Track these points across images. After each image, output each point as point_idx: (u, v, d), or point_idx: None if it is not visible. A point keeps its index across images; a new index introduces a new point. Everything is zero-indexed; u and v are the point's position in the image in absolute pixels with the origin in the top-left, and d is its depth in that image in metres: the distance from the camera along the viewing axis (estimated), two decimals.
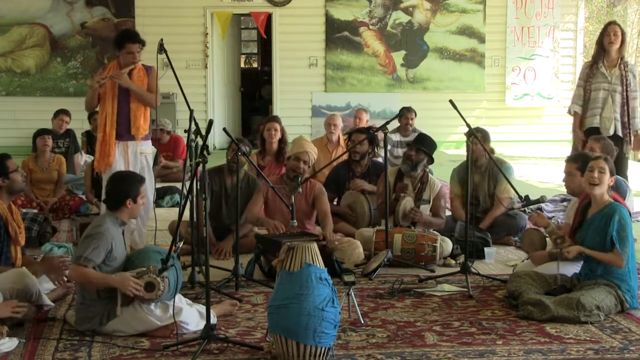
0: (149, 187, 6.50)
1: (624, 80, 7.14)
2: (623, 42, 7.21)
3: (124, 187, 4.66)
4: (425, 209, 6.67)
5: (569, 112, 7.56)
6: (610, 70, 7.18)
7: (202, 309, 4.55)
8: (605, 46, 7.19)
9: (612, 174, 5.03)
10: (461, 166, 6.87)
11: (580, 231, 5.11)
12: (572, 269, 5.22)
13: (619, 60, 7.19)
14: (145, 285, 4.37)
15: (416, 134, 9.09)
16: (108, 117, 6.26)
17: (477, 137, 5.71)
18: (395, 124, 8.76)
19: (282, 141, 7.63)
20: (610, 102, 7.16)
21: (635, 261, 5.08)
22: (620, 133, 7.19)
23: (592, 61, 7.37)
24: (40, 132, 8.72)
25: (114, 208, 4.66)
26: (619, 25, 7.36)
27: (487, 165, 6.82)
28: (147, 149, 6.49)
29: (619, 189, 5.90)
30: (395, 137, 9.23)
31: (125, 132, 6.32)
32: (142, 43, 6.29)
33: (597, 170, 4.96)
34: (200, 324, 4.48)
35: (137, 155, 6.36)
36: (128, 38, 6.28)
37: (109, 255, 4.48)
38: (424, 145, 6.67)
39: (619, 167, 7.14)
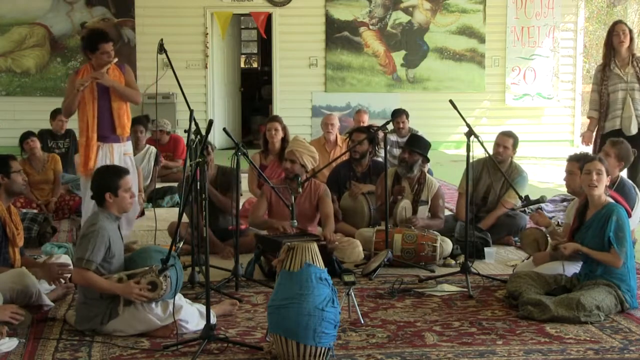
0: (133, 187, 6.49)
1: (639, 77, 7.08)
2: (632, 39, 7.15)
3: (102, 181, 4.68)
4: (424, 209, 6.67)
5: (588, 117, 7.52)
6: (624, 69, 7.12)
7: (202, 308, 4.55)
8: (615, 46, 7.13)
9: (607, 174, 5.04)
10: (476, 162, 6.80)
11: (579, 233, 5.11)
12: (572, 269, 5.23)
13: (631, 58, 7.15)
14: (148, 284, 4.37)
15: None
16: (90, 120, 6.21)
17: (477, 136, 5.71)
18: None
19: (285, 140, 7.62)
20: (629, 101, 7.08)
21: (634, 261, 5.08)
22: None
23: (603, 63, 7.25)
24: (25, 136, 8.55)
25: (99, 204, 4.67)
26: (626, 24, 7.32)
27: (507, 169, 6.80)
28: (130, 149, 6.52)
29: (628, 197, 5.88)
30: (393, 138, 9.26)
31: (109, 134, 6.29)
32: (114, 41, 6.31)
33: (595, 173, 4.97)
34: (200, 324, 4.48)
35: (121, 157, 6.35)
36: (102, 39, 6.23)
37: (108, 252, 4.48)
38: (416, 147, 6.67)
39: (636, 170, 7.08)
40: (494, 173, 6.87)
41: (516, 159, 7.08)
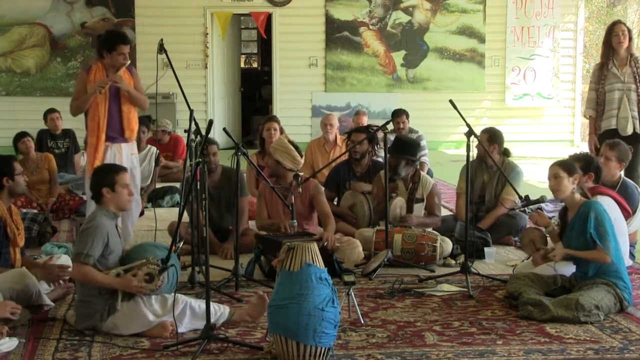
0: (135, 187, 6.49)
1: (637, 77, 7.09)
2: (631, 39, 7.18)
3: (99, 178, 4.73)
4: (419, 207, 6.67)
5: (585, 116, 7.54)
6: (622, 69, 7.13)
7: (201, 303, 4.58)
8: (614, 46, 7.14)
9: (581, 172, 5.14)
10: (471, 162, 6.79)
11: (565, 235, 5.14)
12: (571, 269, 5.22)
13: (629, 58, 7.16)
14: (144, 276, 4.39)
15: (412, 134, 9.11)
16: (101, 120, 6.26)
17: (477, 136, 5.71)
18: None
19: None
20: (626, 101, 7.09)
21: (620, 254, 5.05)
22: (639, 131, 7.14)
23: (601, 62, 7.27)
24: (19, 137, 8.53)
25: (97, 201, 4.71)
26: (625, 24, 7.33)
27: (500, 166, 6.79)
28: (135, 149, 6.61)
29: (631, 198, 5.88)
30: (393, 137, 9.22)
31: (117, 135, 6.33)
32: (131, 44, 6.34)
33: (552, 177, 5.09)
34: (195, 317, 4.50)
35: (129, 157, 6.40)
36: (120, 40, 6.28)
37: (106, 248, 4.50)
38: (396, 150, 6.64)
39: (635, 169, 7.07)
40: (487, 172, 6.87)
41: (517, 158, 7.09)
